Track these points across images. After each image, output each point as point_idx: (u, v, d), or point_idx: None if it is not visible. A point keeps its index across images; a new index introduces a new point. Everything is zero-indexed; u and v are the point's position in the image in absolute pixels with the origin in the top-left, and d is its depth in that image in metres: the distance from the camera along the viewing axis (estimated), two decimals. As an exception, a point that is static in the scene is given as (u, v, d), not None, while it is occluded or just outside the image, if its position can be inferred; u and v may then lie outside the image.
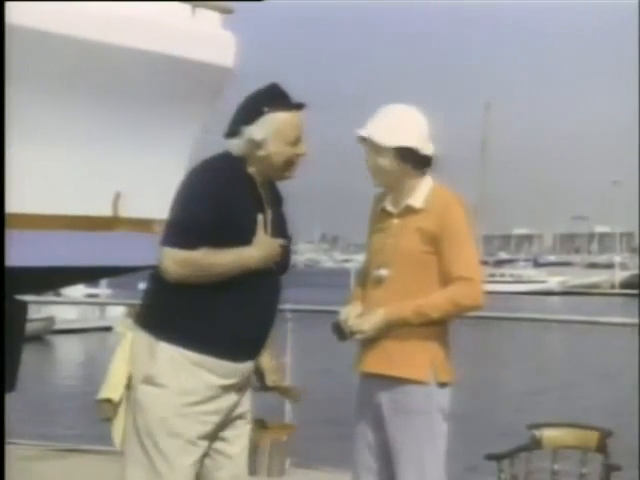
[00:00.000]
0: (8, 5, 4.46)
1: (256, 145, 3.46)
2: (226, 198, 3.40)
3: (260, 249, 3.43)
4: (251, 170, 3.50)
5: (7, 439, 4.92)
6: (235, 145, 3.49)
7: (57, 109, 4.93)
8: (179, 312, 3.42)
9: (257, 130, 3.45)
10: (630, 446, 6.79)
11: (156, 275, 3.48)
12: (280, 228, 3.57)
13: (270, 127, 3.45)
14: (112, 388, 3.47)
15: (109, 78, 5.12)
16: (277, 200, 3.62)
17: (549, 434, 4.53)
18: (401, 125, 3.72)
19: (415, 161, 3.73)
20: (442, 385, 3.73)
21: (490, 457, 4.47)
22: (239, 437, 3.58)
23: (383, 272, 3.75)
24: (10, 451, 5.53)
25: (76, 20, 4.84)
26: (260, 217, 3.46)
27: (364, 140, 3.76)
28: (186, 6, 5.50)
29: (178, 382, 3.39)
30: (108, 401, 3.47)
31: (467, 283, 3.66)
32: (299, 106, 3.51)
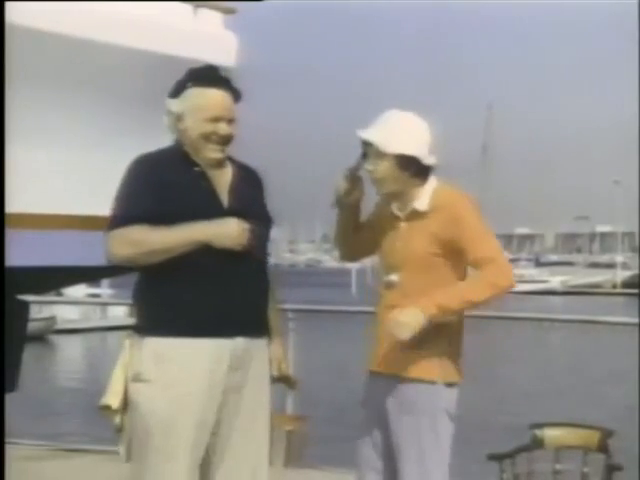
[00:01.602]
0: (8, 5, 4.46)
1: (176, 118, 3.50)
2: (155, 176, 3.43)
3: (210, 225, 3.41)
4: (187, 149, 3.51)
5: (7, 439, 4.91)
6: (164, 119, 3.55)
7: (58, 109, 4.93)
8: (154, 304, 3.46)
9: (177, 103, 3.50)
10: (632, 445, 6.79)
11: (138, 277, 3.53)
12: (244, 203, 3.53)
13: (188, 101, 3.49)
14: (111, 395, 3.47)
15: (110, 78, 5.12)
16: (244, 178, 3.60)
17: (551, 434, 4.52)
18: (404, 132, 3.71)
19: (416, 169, 3.73)
20: (450, 385, 3.73)
21: (492, 457, 4.46)
22: (242, 433, 3.52)
23: (393, 277, 3.76)
24: (10, 451, 5.52)
25: (77, 20, 4.84)
26: (204, 192, 3.46)
27: (365, 144, 3.75)
28: (188, 6, 5.49)
29: (163, 374, 3.39)
30: (108, 407, 3.47)
31: (497, 263, 3.64)
32: (224, 87, 3.51)
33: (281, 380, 3.74)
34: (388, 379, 3.74)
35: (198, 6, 5.51)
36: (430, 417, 3.69)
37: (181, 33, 5.39)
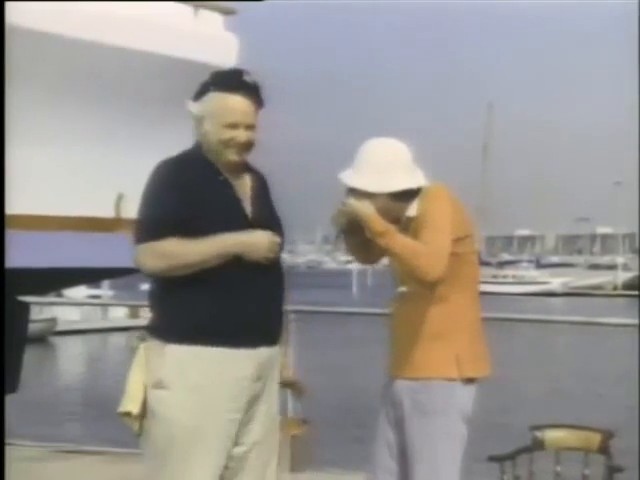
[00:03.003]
0: (8, 5, 4.46)
1: (197, 121, 3.49)
2: (184, 185, 3.40)
3: (242, 237, 3.40)
4: (207, 154, 3.50)
5: (8, 440, 4.92)
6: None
7: (58, 110, 4.93)
8: (179, 310, 3.40)
9: (197, 106, 3.48)
10: (633, 447, 6.78)
11: (154, 280, 3.49)
12: (264, 212, 3.54)
13: (207, 105, 3.46)
14: (130, 401, 3.43)
15: (111, 80, 5.12)
16: (259, 185, 3.60)
17: (551, 435, 4.52)
18: (391, 170, 3.70)
19: (408, 195, 3.74)
20: (468, 381, 3.73)
21: (492, 458, 4.46)
22: (258, 441, 3.52)
23: (402, 288, 3.78)
24: (11, 452, 5.53)
25: (77, 21, 4.84)
26: (229, 201, 3.46)
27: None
28: (188, 7, 5.49)
29: (186, 381, 3.36)
30: (128, 414, 3.44)
31: (432, 250, 3.61)
32: (246, 93, 3.46)
33: (287, 386, 3.74)
34: (405, 380, 3.75)
35: (198, 7, 5.51)
36: (443, 417, 3.69)
37: (181, 34, 5.39)
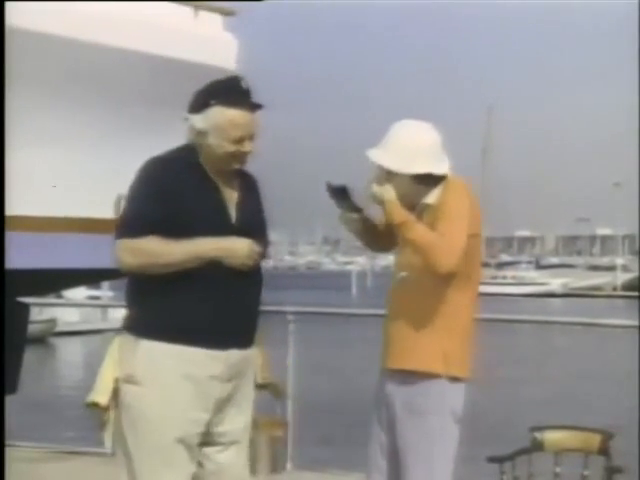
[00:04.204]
0: (8, 5, 4.46)
1: (199, 134, 3.47)
2: (170, 185, 3.41)
3: (222, 242, 3.42)
4: (202, 159, 3.50)
5: (7, 441, 4.91)
6: (186, 131, 3.52)
7: (58, 111, 4.93)
8: (153, 308, 3.43)
9: (200, 120, 3.46)
10: (633, 448, 6.79)
11: (131, 278, 3.50)
12: (249, 218, 3.55)
13: (212, 120, 3.44)
14: (99, 392, 3.46)
15: (111, 80, 5.12)
16: (248, 189, 3.61)
17: (551, 436, 4.52)
18: (418, 151, 3.72)
19: (430, 181, 3.75)
20: (454, 380, 3.74)
21: (492, 459, 4.46)
22: (231, 441, 3.55)
23: (403, 274, 3.79)
24: (10, 453, 5.52)
25: (77, 22, 4.84)
26: (215, 205, 3.47)
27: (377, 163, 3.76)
28: (188, 8, 5.49)
29: (158, 377, 3.39)
30: (95, 405, 3.46)
31: (448, 242, 3.63)
32: (249, 106, 3.47)
33: (265, 388, 3.74)
34: (396, 379, 3.75)
35: (198, 8, 5.51)
36: (436, 418, 3.70)
37: (181, 35, 5.39)
